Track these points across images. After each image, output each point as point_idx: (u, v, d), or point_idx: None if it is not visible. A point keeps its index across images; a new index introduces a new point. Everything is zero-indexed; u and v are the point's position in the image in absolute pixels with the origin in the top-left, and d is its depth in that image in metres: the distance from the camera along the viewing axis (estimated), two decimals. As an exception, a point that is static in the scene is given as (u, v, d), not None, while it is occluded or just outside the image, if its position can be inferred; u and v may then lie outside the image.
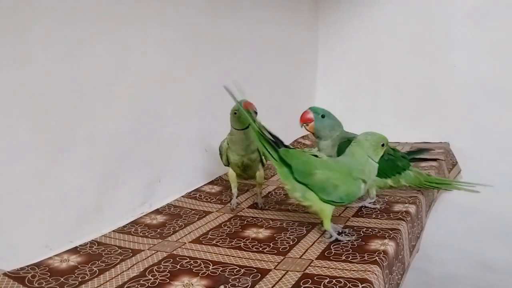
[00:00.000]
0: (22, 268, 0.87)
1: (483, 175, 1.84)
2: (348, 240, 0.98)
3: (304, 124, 1.18)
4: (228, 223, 1.11)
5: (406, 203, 1.20)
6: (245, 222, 1.11)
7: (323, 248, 0.95)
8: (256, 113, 1.09)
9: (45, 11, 0.91)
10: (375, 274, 0.83)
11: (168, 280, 0.83)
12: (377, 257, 0.89)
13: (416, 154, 1.30)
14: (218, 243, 0.99)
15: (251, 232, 1.05)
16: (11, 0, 0.85)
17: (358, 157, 0.99)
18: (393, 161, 1.16)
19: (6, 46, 0.85)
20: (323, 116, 1.20)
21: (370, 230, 1.03)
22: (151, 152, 1.22)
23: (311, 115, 1.21)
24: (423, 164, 1.50)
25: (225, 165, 1.24)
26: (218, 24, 1.46)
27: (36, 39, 0.90)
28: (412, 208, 1.16)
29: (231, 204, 1.22)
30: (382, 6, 2.02)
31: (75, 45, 0.98)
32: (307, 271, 0.85)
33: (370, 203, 1.17)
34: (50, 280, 0.84)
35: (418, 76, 1.98)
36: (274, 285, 0.80)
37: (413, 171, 1.19)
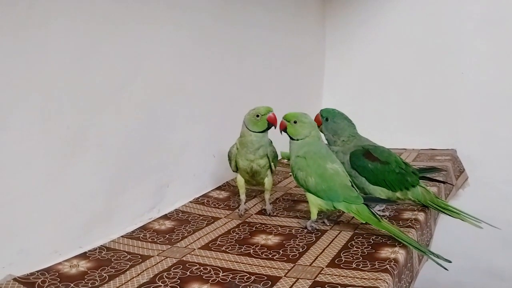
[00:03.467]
0: (32, 274, 0.88)
1: (491, 182, 1.85)
2: (315, 229, 1.07)
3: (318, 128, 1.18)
4: (236, 229, 1.11)
5: (415, 210, 1.19)
6: (254, 229, 1.11)
7: (333, 256, 0.94)
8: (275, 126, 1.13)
9: (57, 14, 0.92)
10: (386, 282, 0.83)
11: (179, 287, 0.83)
12: (388, 265, 0.88)
13: (427, 172, 1.28)
14: (227, 250, 0.99)
15: (260, 239, 1.05)
16: (25, 3, 0.86)
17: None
18: (404, 175, 1.16)
19: (19, 49, 0.85)
20: (326, 120, 1.20)
21: (380, 238, 1.02)
22: (160, 157, 1.22)
23: (318, 117, 1.21)
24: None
25: (233, 171, 1.24)
26: (228, 30, 1.46)
27: (47, 45, 0.90)
28: (421, 216, 1.16)
29: (239, 210, 1.22)
30: (390, 12, 2.02)
31: (86, 50, 0.98)
32: (317, 278, 0.85)
33: (379, 210, 1.17)
34: (60, 285, 0.84)
35: (425, 82, 1.97)
36: (285, 293, 0.80)
37: (421, 188, 1.18)
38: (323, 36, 2.16)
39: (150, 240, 1.05)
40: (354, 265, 0.90)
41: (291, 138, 1.11)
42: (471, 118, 1.91)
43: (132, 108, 1.12)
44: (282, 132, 1.12)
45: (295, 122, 1.09)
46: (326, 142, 1.19)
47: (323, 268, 0.89)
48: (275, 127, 1.14)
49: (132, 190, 1.13)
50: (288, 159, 1.13)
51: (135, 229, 1.11)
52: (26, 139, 0.88)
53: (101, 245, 1.02)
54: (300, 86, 1.98)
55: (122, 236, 1.07)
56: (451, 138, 1.94)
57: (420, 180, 1.18)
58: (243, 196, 1.23)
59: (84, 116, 1.00)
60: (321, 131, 1.20)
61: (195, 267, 0.91)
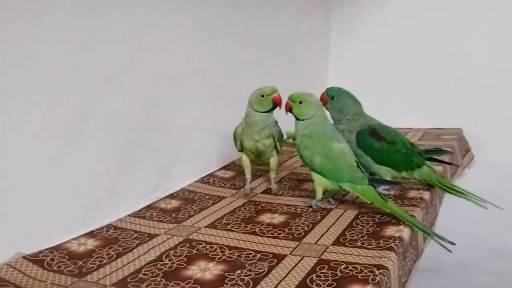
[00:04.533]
0: (41, 251, 0.89)
1: (497, 162, 1.85)
2: (320, 208, 1.09)
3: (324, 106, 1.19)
4: (242, 208, 1.12)
5: (420, 189, 1.19)
6: (259, 208, 1.12)
7: (338, 234, 0.95)
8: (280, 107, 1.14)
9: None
10: (391, 260, 0.83)
11: (185, 265, 0.84)
12: (392, 244, 0.89)
13: (434, 153, 1.28)
14: (233, 228, 1.00)
15: (265, 218, 1.05)
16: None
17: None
18: (409, 155, 1.16)
19: (22, 32, 0.85)
20: (332, 98, 1.20)
21: (384, 216, 1.03)
22: (165, 138, 1.22)
23: (324, 96, 1.21)
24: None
25: (239, 151, 1.24)
26: (231, 10, 1.45)
27: (49, 28, 0.90)
28: (426, 195, 1.16)
29: (244, 189, 1.22)
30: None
31: (88, 33, 0.98)
32: (322, 256, 0.86)
33: (384, 189, 1.17)
34: (68, 263, 0.86)
35: (432, 62, 1.96)
36: (290, 271, 0.81)
37: (427, 168, 1.18)
38: (328, 15, 2.14)
39: (156, 219, 1.06)
40: (359, 244, 0.90)
41: (296, 119, 1.11)
42: (478, 97, 1.90)
43: (136, 90, 1.12)
44: (288, 112, 1.12)
45: (300, 102, 1.09)
46: (332, 121, 1.19)
47: (328, 246, 0.90)
48: (280, 108, 1.14)
49: (138, 170, 1.14)
50: (294, 139, 1.13)
51: (142, 208, 1.12)
52: (30, 121, 0.88)
53: (109, 224, 1.03)
54: (305, 65, 1.97)
55: (128, 215, 1.08)
56: (457, 117, 1.93)
57: (426, 161, 1.18)
58: (248, 176, 1.24)
59: (88, 99, 1.00)
60: (327, 110, 1.20)
61: (201, 245, 0.92)
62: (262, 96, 1.14)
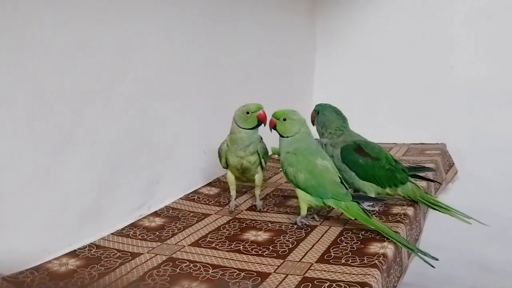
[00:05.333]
0: (21, 272, 0.87)
1: (480, 176, 1.86)
2: (305, 224, 1.08)
3: (313, 123, 1.23)
4: (227, 225, 1.11)
5: (404, 205, 1.20)
6: (244, 225, 1.11)
7: (322, 251, 0.95)
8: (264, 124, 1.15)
9: (44, 11, 0.91)
10: (375, 277, 0.83)
11: (168, 285, 0.83)
12: (376, 261, 0.89)
13: (417, 171, 1.29)
14: (217, 246, 0.99)
15: (250, 235, 1.05)
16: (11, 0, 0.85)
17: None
18: (393, 172, 1.16)
19: (5, 47, 0.85)
20: (317, 113, 1.23)
21: (369, 233, 1.03)
22: (150, 154, 1.22)
23: (313, 112, 1.25)
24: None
25: (224, 168, 1.24)
26: (217, 25, 1.45)
27: (35, 40, 0.90)
28: (410, 211, 1.16)
29: (229, 206, 1.22)
30: (380, 7, 2.03)
31: (75, 46, 0.98)
32: (307, 274, 0.85)
33: (368, 205, 1.17)
34: (49, 284, 0.84)
35: (415, 77, 1.98)
36: (274, 289, 0.81)
37: (411, 184, 1.19)
38: (313, 31, 2.16)
39: (140, 237, 1.05)
40: (343, 261, 0.90)
41: (281, 136, 1.11)
42: (461, 112, 1.92)
43: (121, 105, 1.11)
44: (272, 129, 1.12)
45: (284, 119, 1.09)
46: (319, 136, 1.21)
47: (312, 263, 0.90)
48: (265, 125, 1.15)
49: (122, 187, 1.13)
50: (279, 155, 1.13)
51: (125, 226, 1.11)
52: (14, 137, 0.87)
53: (91, 243, 1.02)
54: (290, 82, 1.98)
55: (112, 234, 1.07)
56: (441, 132, 1.95)
57: (409, 177, 1.19)
58: (233, 192, 1.24)
59: (73, 113, 0.99)
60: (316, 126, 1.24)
61: (185, 264, 0.91)
62: (247, 113, 1.14)
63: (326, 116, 1.22)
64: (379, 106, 2.05)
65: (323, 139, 1.22)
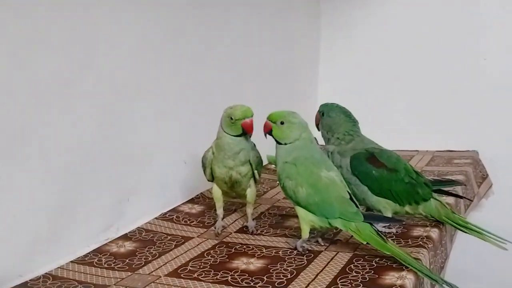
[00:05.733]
0: (-41, 310, 0.87)
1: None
2: (307, 250, 1.08)
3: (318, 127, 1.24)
4: (212, 251, 1.11)
5: (427, 226, 1.20)
6: (233, 250, 1.11)
7: (328, 283, 0.95)
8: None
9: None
10: (391, 314, 0.83)
11: (139, 324, 0.83)
12: (393, 294, 0.89)
13: (443, 185, 1.29)
14: (200, 277, 0.99)
15: (240, 263, 1.05)
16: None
17: None
18: (414, 186, 1.17)
19: None
20: (322, 114, 1.24)
21: (384, 260, 1.02)
22: (119, 165, 1.21)
23: (317, 114, 1.25)
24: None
25: (209, 180, 1.24)
26: (203, 11, 1.46)
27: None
28: (434, 233, 1.16)
29: (215, 228, 1.21)
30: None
31: (26, 34, 0.97)
32: (308, 311, 0.85)
33: (383, 226, 1.17)
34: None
35: (440, 70, 1.99)
36: (268, 329, 0.80)
37: (435, 202, 1.19)
38: (318, 16, 2.17)
39: (106, 266, 1.05)
40: (352, 294, 0.90)
41: (277, 142, 1.11)
42: (496, 114, 1.93)
43: (83, 106, 1.11)
44: (267, 135, 1.12)
45: (282, 123, 1.09)
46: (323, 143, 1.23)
47: (315, 298, 0.89)
48: (250, 136, 1.16)
49: (84, 205, 1.13)
50: (276, 165, 1.13)
51: (88, 253, 1.11)
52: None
53: (46, 273, 1.01)
54: (290, 78, 1.99)
55: (71, 262, 1.06)
56: (472, 137, 1.96)
57: (433, 193, 1.19)
58: (220, 211, 1.24)
59: (25, 118, 0.99)
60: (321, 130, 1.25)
61: (160, 299, 0.91)
62: (231, 118, 1.14)
63: (333, 118, 1.22)
64: (396, 106, 2.05)
65: (329, 146, 1.22)
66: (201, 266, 1.03)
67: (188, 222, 1.28)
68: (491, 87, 1.92)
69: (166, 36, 1.34)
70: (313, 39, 2.16)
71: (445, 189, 1.28)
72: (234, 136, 1.15)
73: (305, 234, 1.08)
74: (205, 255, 1.09)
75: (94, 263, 1.06)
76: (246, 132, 1.15)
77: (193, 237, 1.19)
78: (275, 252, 1.09)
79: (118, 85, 1.20)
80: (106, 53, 1.15)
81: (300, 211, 1.07)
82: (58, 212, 1.07)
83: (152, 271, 1.02)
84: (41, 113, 1.01)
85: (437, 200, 1.19)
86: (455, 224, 1.19)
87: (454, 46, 1.96)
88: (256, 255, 1.08)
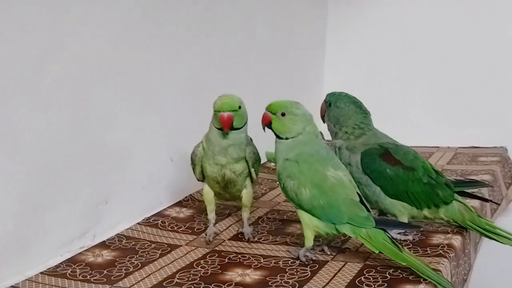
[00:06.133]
0: None
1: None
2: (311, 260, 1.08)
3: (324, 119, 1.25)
4: (202, 261, 1.11)
5: (449, 233, 1.20)
6: (226, 260, 1.11)
7: (334, 297, 0.94)
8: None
9: None
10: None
11: None
12: (409, 310, 0.88)
13: (467, 186, 1.29)
14: (188, 291, 0.99)
15: (234, 275, 1.04)
16: None
17: None
18: (433, 187, 1.17)
19: None
20: (329, 105, 1.24)
21: (399, 271, 1.02)
22: (96, 163, 1.21)
23: (323, 105, 1.26)
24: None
25: (199, 180, 1.25)
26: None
27: None
28: (456, 240, 1.16)
29: (206, 235, 1.22)
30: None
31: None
32: (312, 330, 0.85)
33: (398, 233, 1.17)
34: None
35: (464, 58, 1.99)
36: None
37: (457, 204, 1.19)
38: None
39: (81, 277, 1.04)
40: (363, 310, 0.90)
41: (277, 137, 1.11)
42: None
43: (54, 97, 1.10)
44: (266, 128, 1.12)
45: (283, 114, 1.09)
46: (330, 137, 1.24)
47: (320, 314, 0.89)
48: (225, 131, 1.14)
49: (56, 209, 1.12)
50: (276, 163, 1.13)
51: (61, 263, 1.10)
52: None
53: (12, 286, 1.01)
54: (293, 64, 2.00)
55: (41, 273, 1.06)
56: (500, 132, 1.96)
57: (456, 195, 1.19)
58: (212, 215, 1.24)
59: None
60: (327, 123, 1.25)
61: (143, 316, 0.90)
62: (218, 111, 1.13)
63: (341, 109, 1.22)
64: (413, 96, 2.06)
65: (336, 141, 1.22)
66: (190, 278, 1.03)
67: (175, 228, 1.28)
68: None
69: (150, 15, 1.34)
70: (319, 21, 2.16)
71: (469, 190, 1.28)
72: (218, 129, 1.15)
73: (309, 241, 1.08)
74: (194, 265, 1.09)
75: (68, 275, 1.05)
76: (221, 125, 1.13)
77: (180, 245, 1.19)
78: (274, 262, 1.09)
79: (94, 72, 1.19)
80: (80, 36, 1.15)
81: (303, 215, 1.07)
82: (26, 217, 1.06)
83: (134, 284, 1.01)
84: (2, 104, 1.01)
85: (460, 202, 1.19)
86: (481, 230, 1.19)
87: (478, 28, 1.96)
88: (252, 266, 1.08)
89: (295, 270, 1.05)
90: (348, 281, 1.00)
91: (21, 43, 1.03)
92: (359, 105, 1.23)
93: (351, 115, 1.21)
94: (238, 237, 1.23)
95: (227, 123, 1.12)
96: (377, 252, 1.03)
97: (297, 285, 0.99)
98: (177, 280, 1.02)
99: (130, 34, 1.28)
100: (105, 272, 1.06)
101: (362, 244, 1.08)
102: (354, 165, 1.18)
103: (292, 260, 1.09)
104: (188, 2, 1.45)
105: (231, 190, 1.21)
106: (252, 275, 1.04)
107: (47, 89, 1.09)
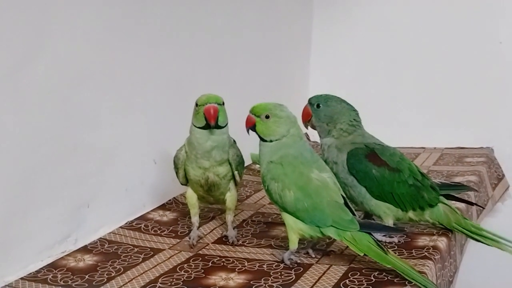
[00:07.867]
0: None
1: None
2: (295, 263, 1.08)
3: (307, 123, 1.24)
4: (186, 265, 1.11)
5: (434, 234, 1.20)
6: (210, 264, 1.11)
7: (319, 301, 0.95)
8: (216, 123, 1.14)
9: None
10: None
11: None
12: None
13: (453, 189, 1.30)
14: (171, 295, 0.98)
15: (218, 279, 1.04)
16: None
17: None
18: (419, 189, 1.17)
19: None
20: (318, 106, 1.23)
21: (384, 274, 1.02)
22: (77, 165, 1.21)
23: (308, 108, 1.25)
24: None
25: (182, 184, 1.24)
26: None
27: None
28: (442, 242, 1.17)
29: (190, 238, 1.21)
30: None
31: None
32: (296, 334, 0.85)
33: (383, 235, 1.17)
34: None
35: (450, 58, 2.00)
36: None
37: (443, 206, 1.20)
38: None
39: (62, 283, 1.04)
40: (347, 314, 0.90)
41: (261, 139, 1.11)
42: (513, 106, 1.93)
43: (34, 97, 1.10)
44: (250, 130, 1.12)
45: (267, 116, 1.09)
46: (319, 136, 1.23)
47: (304, 318, 0.89)
48: (212, 126, 1.13)
49: (36, 212, 1.12)
50: (260, 165, 1.13)
51: (41, 268, 1.10)
52: None
53: (-8, 292, 1.00)
54: (277, 64, 2.00)
55: (21, 278, 1.05)
56: (486, 133, 1.97)
57: (440, 199, 1.20)
58: (195, 219, 1.24)
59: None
60: (313, 127, 1.25)
61: (125, 321, 0.90)
62: (196, 105, 1.14)
63: (333, 108, 1.22)
64: (400, 97, 2.07)
65: (326, 139, 1.22)
66: (173, 283, 1.03)
67: (158, 232, 1.28)
68: (509, 75, 1.93)
69: (132, 14, 1.34)
70: (304, 21, 2.16)
71: (454, 194, 1.29)
72: (200, 128, 1.15)
73: (294, 244, 1.08)
74: (177, 269, 1.09)
75: (48, 280, 1.05)
76: (206, 119, 1.13)
77: (164, 249, 1.19)
78: (258, 266, 1.09)
79: (76, 72, 1.19)
80: (61, 33, 1.14)
81: (287, 218, 1.07)
82: (5, 221, 1.06)
83: (116, 289, 1.01)
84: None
85: (446, 204, 1.20)
86: (466, 232, 1.20)
87: (467, 28, 1.97)
88: (237, 270, 1.08)
89: (279, 273, 1.05)
90: (333, 284, 1.00)
91: (0, 44, 1.02)
92: (348, 103, 1.24)
93: (345, 112, 1.21)
94: (222, 240, 1.23)
95: (213, 115, 1.12)
96: (362, 254, 1.03)
97: (282, 288, 1.00)
98: (160, 285, 1.02)
99: (113, 34, 1.28)
100: (86, 277, 1.06)
101: (347, 246, 1.08)
102: (340, 164, 1.18)
103: (276, 264, 1.09)
104: (171, 2, 1.45)
105: (215, 193, 1.21)
106: (236, 279, 1.04)
107: (28, 90, 1.08)
